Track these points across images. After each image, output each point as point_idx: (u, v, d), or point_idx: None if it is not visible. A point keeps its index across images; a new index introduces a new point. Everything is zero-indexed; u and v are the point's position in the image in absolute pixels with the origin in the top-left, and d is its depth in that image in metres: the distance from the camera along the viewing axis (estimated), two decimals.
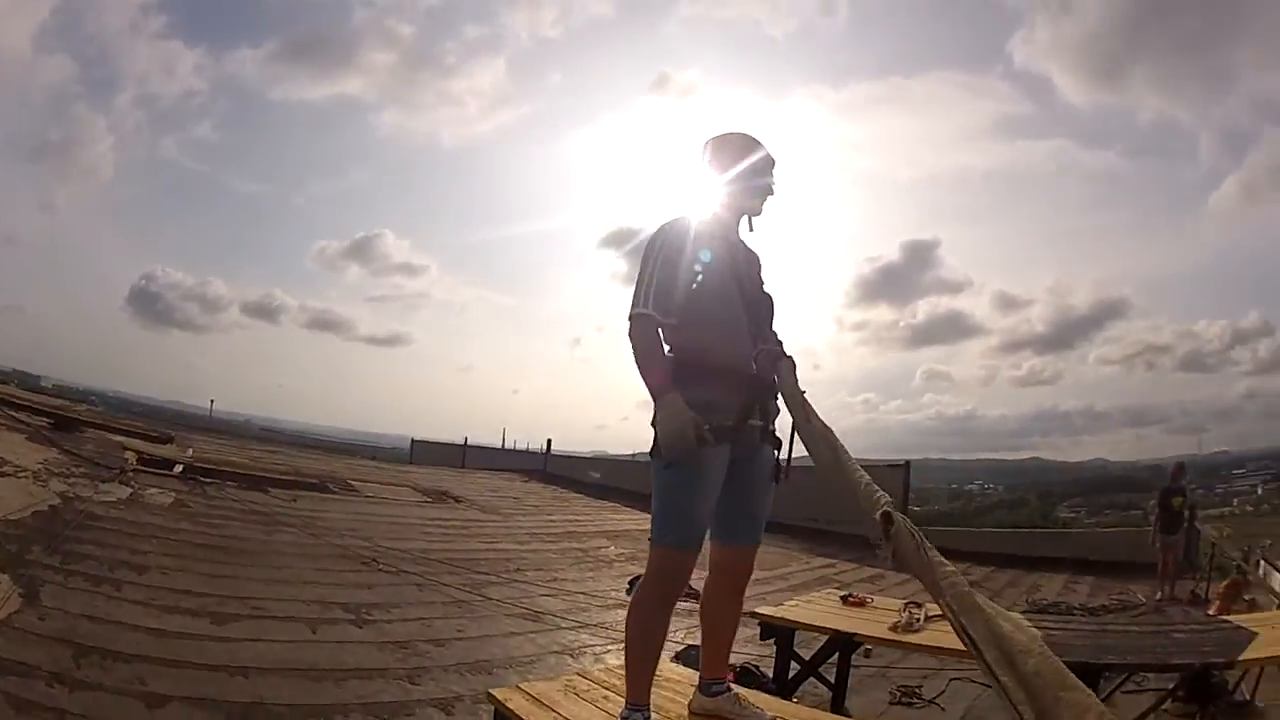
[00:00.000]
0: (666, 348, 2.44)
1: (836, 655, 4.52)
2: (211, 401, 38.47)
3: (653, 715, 2.42)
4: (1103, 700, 4.21)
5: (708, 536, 2.46)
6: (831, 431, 2.35)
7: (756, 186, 2.58)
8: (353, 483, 12.90)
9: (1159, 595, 9.62)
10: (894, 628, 4.23)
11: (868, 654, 5.15)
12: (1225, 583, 8.23)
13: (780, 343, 2.56)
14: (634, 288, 2.42)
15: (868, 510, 2.08)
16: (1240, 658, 3.53)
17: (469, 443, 29.15)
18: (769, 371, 2.45)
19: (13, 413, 10.79)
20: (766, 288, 2.63)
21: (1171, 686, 4.21)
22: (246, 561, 6.23)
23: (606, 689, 2.63)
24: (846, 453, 2.28)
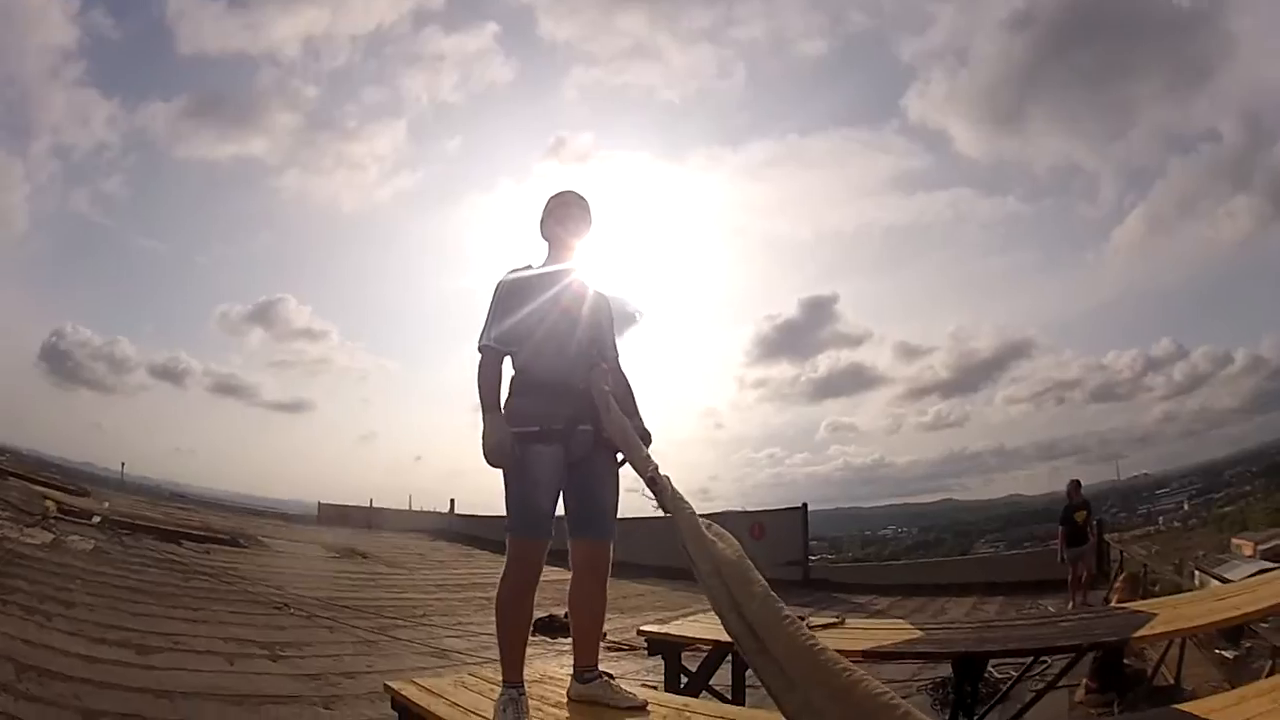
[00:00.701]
0: (512, 370, 2.92)
1: (730, 663, 4.40)
2: (123, 464, 37.26)
3: (535, 703, 2.84)
4: (1003, 695, 4.20)
5: (569, 535, 2.90)
6: (624, 419, 2.87)
7: (561, 217, 3.07)
8: (263, 539, 13.06)
9: (1070, 606, 9.58)
10: None
11: None
12: (1123, 576, 8.19)
13: (609, 368, 3.01)
14: (482, 326, 2.92)
15: (640, 472, 2.76)
16: (1135, 634, 3.53)
17: (375, 505, 29.13)
18: (596, 392, 2.89)
19: None
20: (600, 318, 3.06)
21: (1084, 679, 4.35)
22: (165, 603, 6.55)
23: (492, 684, 3.02)
24: (632, 431, 2.86)
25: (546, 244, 3.11)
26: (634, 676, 5.61)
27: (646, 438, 2.99)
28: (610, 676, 2.98)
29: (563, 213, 3.08)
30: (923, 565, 16.37)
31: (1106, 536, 11.90)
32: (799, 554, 14.58)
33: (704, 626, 4.57)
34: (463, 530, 21.99)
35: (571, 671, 2.98)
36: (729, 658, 4.09)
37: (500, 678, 2.86)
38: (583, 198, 3.16)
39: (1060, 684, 3.99)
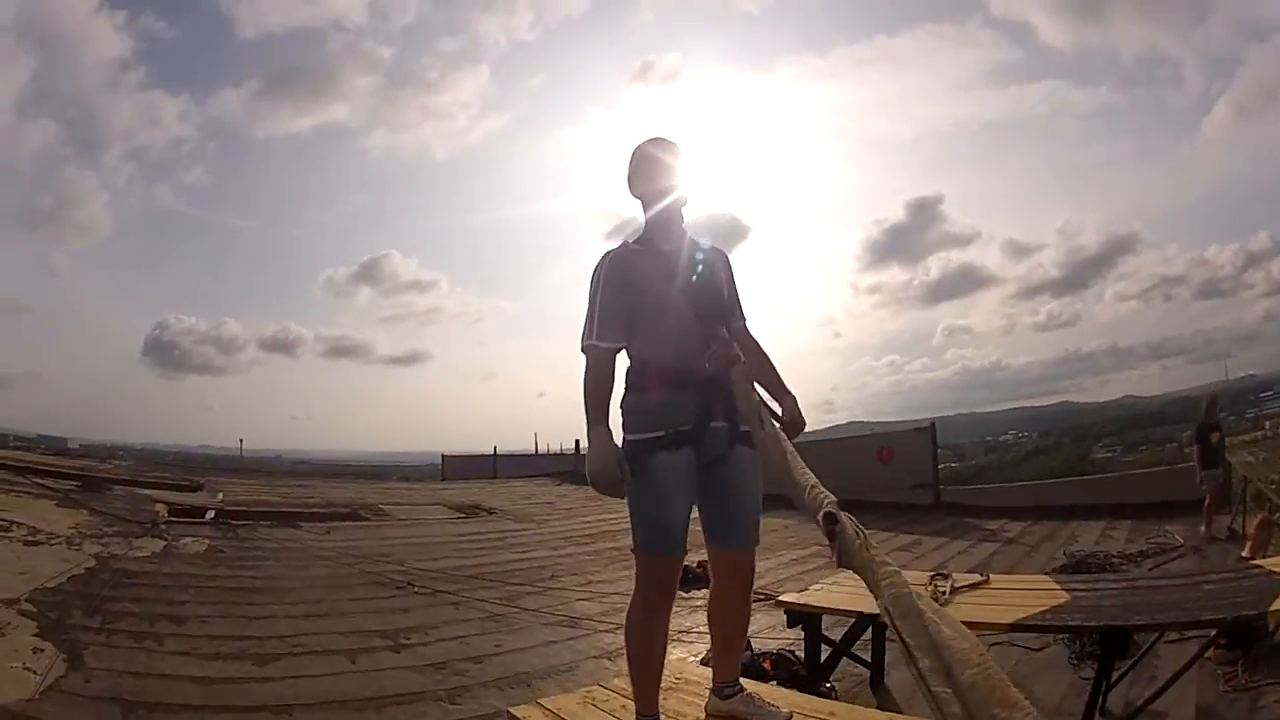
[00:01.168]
0: (627, 362, 2.54)
1: (870, 633, 4.55)
2: (241, 441, 38.97)
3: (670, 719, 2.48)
4: (1144, 653, 4.23)
5: (706, 541, 2.54)
6: (782, 436, 2.39)
7: (651, 174, 2.64)
8: (384, 508, 13.08)
9: (1203, 531, 9.51)
10: None
11: None
12: (1255, 522, 8.08)
13: (738, 336, 2.64)
14: (584, 319, 2.53)
15: (813, 511, 2.11)
16: (1271, 607, 3.44)
17: (499, 452, 29.29)
18: (723, 373, 2.48)
19: (39, 480, 11.01)
20: (720, 285, 2.68)
21: (1213, 634, 4.06)
22: (283, 599, 6.35)
23: (625, 697, 2.66)
24: (796, 456, 2.30)
25: (641, 205, 2.69)
26: (770, 635, 5.27)
27: (798, 421, 2.54)
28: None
29: (652, 169, 2.65)
30: (1051, 485, 15.52)
31: (1226, 455, 11.10)
32: (929, 476, 14.04)
33: (844, 594, 4.55)
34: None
35: (711, 681, 2.69)
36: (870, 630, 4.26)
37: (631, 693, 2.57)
38: (672, 144, 2.69)
39: (1190, 635, 4.24)
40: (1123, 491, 13.12)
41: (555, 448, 28.56)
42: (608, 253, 2.61)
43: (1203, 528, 9.53)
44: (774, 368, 2.70)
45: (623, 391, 2.54)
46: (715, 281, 2.66)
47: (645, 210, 2.67)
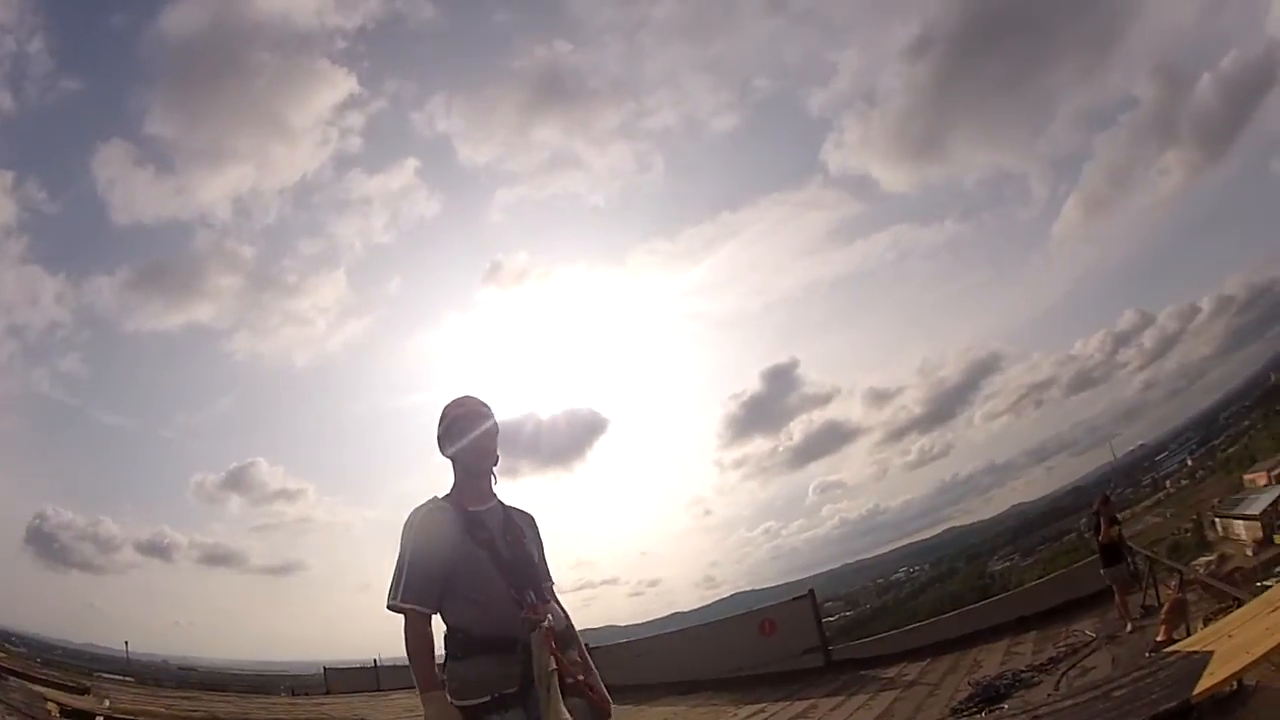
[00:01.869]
0: (445, 629, 2.59)
1: None
2: (126, 643, 36.35)
3: None
4: None
5: None
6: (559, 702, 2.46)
7: (479, 448, 2.70)
8: None
9: (1127, 629, 9.30)
10: None
11: None
12: (1165, 606, 8.11)
13: (544, 599, 2.67)
14: (393, 575, 2.55)
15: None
16: (1195, 692, 3.40)
17: (381, 662, 28.21)
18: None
19: None
20: (529, 548, 2.74)
21: None
22: None
23: None
24: None
25: (452, 464, 2.73)
26: None
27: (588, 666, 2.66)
28: None
29: (462, 429, 2.70)
30: (946, 620, 15.19)
31: (1119, 516, 11.17)
32: (816, 640, 13.62)
33: None
34: None
35: None
36: None
37: None
38: (483, 405, 2.78)
39: None
40: (1022, 604, 13.12)
41: (438, 654, 27.56)
42: (416, 509, 2.63)
43: (1126, 626, 9.34)
44: (572, 628, 2.72)
45: (446, 658, 2.57)
46: (526, 546, 2.72)
47: (455, 469, 2.72)
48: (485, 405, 2.77)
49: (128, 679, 18.43)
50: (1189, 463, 70.55)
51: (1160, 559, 10.75)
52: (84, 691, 12.78)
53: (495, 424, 2.73)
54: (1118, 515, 10.32)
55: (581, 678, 2.56)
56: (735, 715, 10.22)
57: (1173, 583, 9.06)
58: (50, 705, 9.74)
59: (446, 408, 2.76)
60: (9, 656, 14.98)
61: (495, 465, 2.72)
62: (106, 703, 11.57)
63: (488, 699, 2.43)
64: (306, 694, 25.13)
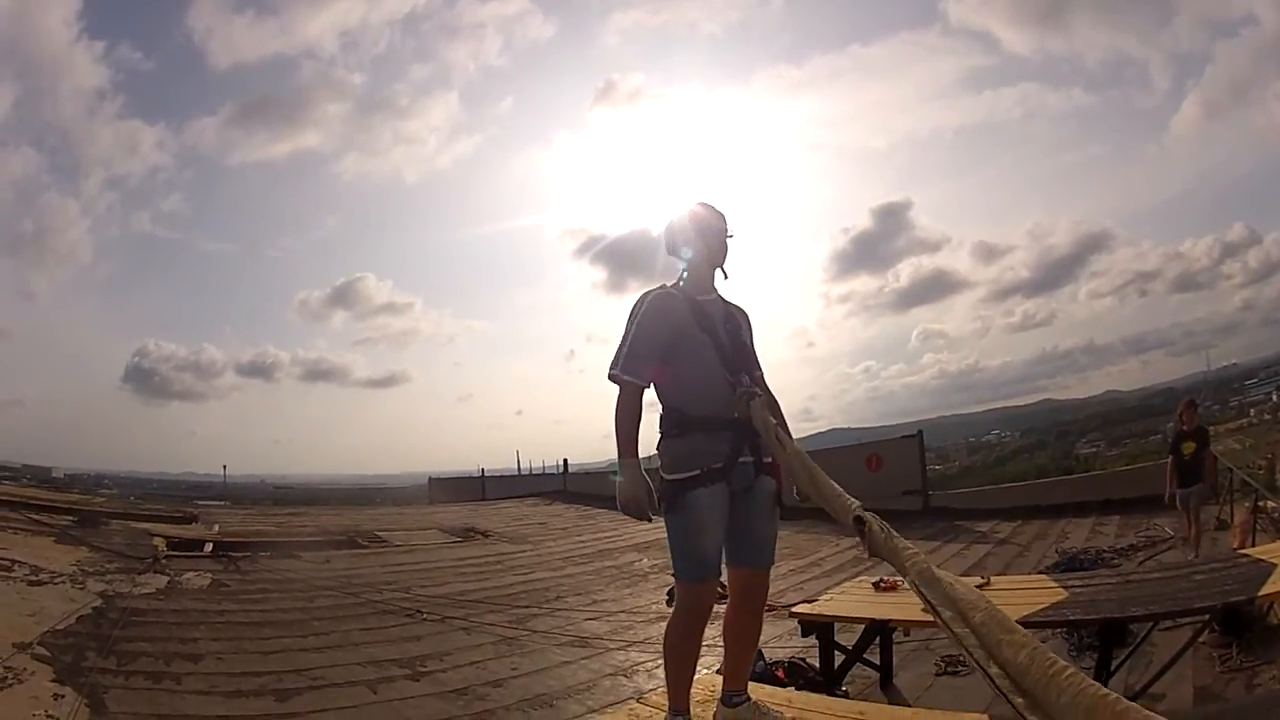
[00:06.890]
0: (660, 405, 2.76)
1: (879, 639, 4.74)
2: (224, 467, 38.63)
3: None
4: (1140, 641, 4.41)
5: (727, 563, 2.73)
6: (804, 454, 2.65)
7: (714, 245, 2.88)
8: (380, 534, 13.01)
9: (1192, 556, 7.73)
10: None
11: (907, 631, 5.27)
12: (1238, 519, 8.17)
13: (757, 385, 2.83)
14: (616, 347, 2.74)
15: (842, 517, 2.41)
16: (1260, 593, 3.74)
17: (486, 472, 29.17)
18: (746, 413, 2.70)
19: (35, 515, 10.85)
20: (745, 338, 2.91)
21: (1206, 619, 4.32)
22: (295, 631, 6.36)
23: (664, 711, 2.77)
24: (819, 470, 2.58)
25: (682, 264, 2.91)
26: (777, 644, 5.42)
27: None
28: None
29: (700, 229, 2.87)
30: (1038, 485, 15.74)
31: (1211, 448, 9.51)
32: (918, 483, 14.32)
33: (853, 603, 5.03)
34: (578, 489, 21.85)
35: (720, 690, 2.88)
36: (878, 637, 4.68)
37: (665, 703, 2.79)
38: (719, 210, 2.94)
39: (1184, 622, 4.53)
40: (1110, 487, 13.26)
41: (538, 465, 28.38)
42: (648, 291, 2.81)
43: (1194, 554, 7.74)
44: (782, 415, 2.87)
45: (659, 436, 2.75)
46: (742, 335, 2.90)
47: (689, 269, 2.89)
48: (721, 211, 2.94)
49: (223, 502, 19.41)
50: (1275, 398, 67.64)
51: (1240, 472, 10.19)
52: (191, 520, 13.16)
53: (727, 226, 2.91)
54: (1204, 429, 8.69)
55: (771, 460, 2.74)
56: (836, 546, 10.54)
57: (1247, 503, 8.72)
58: (157, 540, 10.09)
59: (688, 208, 2.93)
60: (106, 500, 15.62)
61: (722, 263, 2.90)
62: (216, 528, 12.00)
63: (697, 472, 2.61)
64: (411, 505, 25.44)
